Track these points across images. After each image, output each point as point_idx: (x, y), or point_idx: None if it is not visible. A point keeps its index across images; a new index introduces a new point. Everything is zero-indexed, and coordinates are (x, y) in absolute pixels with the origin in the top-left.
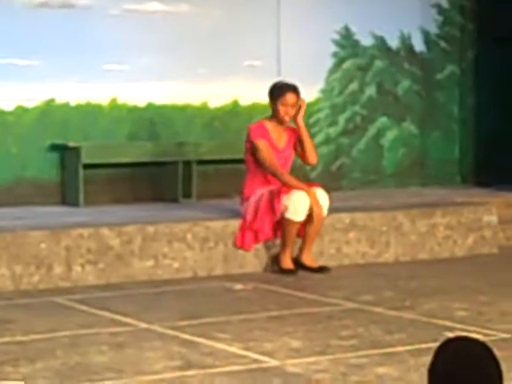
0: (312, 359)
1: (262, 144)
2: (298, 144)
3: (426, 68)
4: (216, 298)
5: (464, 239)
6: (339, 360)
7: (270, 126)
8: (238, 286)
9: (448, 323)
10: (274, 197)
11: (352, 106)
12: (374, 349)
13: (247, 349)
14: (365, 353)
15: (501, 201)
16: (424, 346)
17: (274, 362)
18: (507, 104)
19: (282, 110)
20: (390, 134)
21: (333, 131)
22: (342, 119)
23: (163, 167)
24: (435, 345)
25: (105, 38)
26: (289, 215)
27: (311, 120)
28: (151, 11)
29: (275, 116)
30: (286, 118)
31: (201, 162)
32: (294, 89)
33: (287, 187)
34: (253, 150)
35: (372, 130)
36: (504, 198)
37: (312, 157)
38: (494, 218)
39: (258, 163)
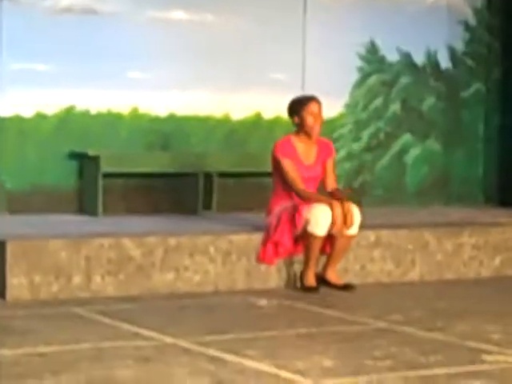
0: (347, 379)
1: (286, 163)
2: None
3: (451, 85)
4: (240, 314)
5: (490, 260)
6: (376, 381)
7: (297, 141)
8: (262, 302)
9: (483, 346)
10: (296, 209)
11: (376, 121)
12: (411, 370)
13: (278, 367)
14: (402, 374)
15: None
16: (462, 369)
17: (307, 382)
18: None
19: (309, 119)
20: (414, 152)
21: (356, 147)
22: (365, 135)
23: (183, 178)
24: (474, 368)
25: (128, 46)
26: (310, 228)
27: (334, 135)
28: (176, 20)
29: (302, 130)
30: (316, 129)
31: (221, 175)
32: (315, 98)
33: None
34: (278, 167)
35: (395, 147)
36: None
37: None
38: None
39: (284, 179)
